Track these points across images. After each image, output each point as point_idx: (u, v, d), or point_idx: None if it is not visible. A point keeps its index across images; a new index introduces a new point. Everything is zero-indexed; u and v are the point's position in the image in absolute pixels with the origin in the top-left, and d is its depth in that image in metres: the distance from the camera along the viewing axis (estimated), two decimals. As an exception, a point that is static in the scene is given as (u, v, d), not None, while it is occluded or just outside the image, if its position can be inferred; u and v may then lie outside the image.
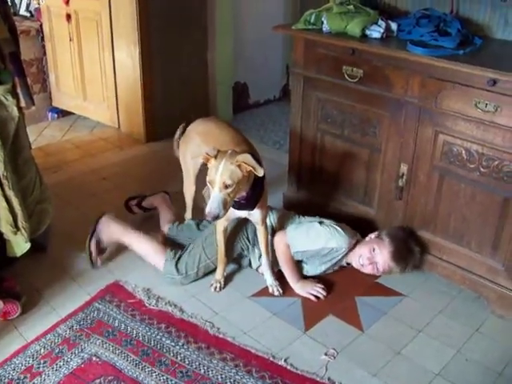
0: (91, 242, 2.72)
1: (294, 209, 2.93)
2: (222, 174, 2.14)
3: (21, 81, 2.73)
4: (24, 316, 2.42)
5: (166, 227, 2.94)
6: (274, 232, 2.71)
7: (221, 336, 2.34)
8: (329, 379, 2.14)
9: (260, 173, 2.19)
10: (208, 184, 2.22)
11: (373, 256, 2.59)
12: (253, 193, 2.34)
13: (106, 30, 4.15)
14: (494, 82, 2.20)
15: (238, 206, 2.36)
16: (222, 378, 2.13)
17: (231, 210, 2.34)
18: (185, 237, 2.83)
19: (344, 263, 2.73)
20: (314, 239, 2.60)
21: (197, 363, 2.19)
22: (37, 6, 4.62)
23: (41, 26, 4.56)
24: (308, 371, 2.17)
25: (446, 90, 2.38)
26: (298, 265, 2.69)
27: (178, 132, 2.97)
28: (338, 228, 2.62)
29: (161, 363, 2.19)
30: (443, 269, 2.64)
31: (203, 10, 4.30)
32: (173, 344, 2.29)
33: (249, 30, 4.85)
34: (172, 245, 2.78)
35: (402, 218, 2.73)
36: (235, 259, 2.76)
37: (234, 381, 2.12)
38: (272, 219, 2.75)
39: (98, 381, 2.10)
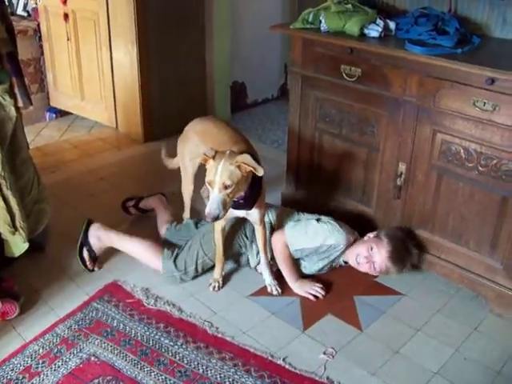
0: (82, 253, 2.72)
1: (292, 208, 2.92)
2: (221, 174, 2.14)
3: (18, 81, 2.73)
4: (22, 316, 2.42)
5: (163, 228, 2.94)
6: (272, 229, 2.71)
7: (219, 335, 2.34)
8: (327, 378, 2.14)
9: (260, 173, 2.19)
10: (207, 185, 2.21)
11: (370, 255, 2.59)
12: (251, 192, 2.34)
13: (103, 29, 4.14)
14: (493, 80, 2.20)
15: (236, 205, 2.35)
16: (220, 377, 2.13)
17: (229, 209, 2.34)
18: (183, 236, 2.82)
19: (342, 262, 2.73)
20: (313, 237, 2.60)
21: (195, 363, 2.19)
22: (34, 5, 4.61)
23: (38, 25, 4.56)
24: (307, 370, 2.17)
25: (444, 88, 2.38)
26: (296, 263, 2.69)
27: (163, 150, 3.11)
28: (336, 224, 2.62)
29: (159, 363, 2.19)
30: (441, 268, 2.65)
31: (201, 10, 4.30)
32: (171, 343, 2.28)
33: (247, 29, 4.85)
34: (169, 246, 2.77)
35: (401, 217, 2.73)
36: (233, 257, 2.76)
37: (233, 380, 2.12)
38: (271, 216, 2.75)
39: (96, 381, 2.10)
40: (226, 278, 2.70)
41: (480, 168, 2.37)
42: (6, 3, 3.15)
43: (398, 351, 2.29)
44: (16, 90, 2.70)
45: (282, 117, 4.65)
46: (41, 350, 2.23)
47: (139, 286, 2.62)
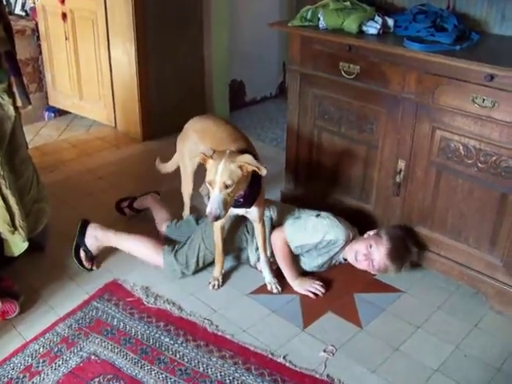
0: (79, 254, 2.71)
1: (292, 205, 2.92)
2: (221, 174, 2.14)
3: (17, 80, 2.72)
4: (22, 315, 2.42)
5: (163, 226, 2.94)
6: (273, 225, 2.71)
7: (219, 334, 2.34)
8: (328, 376, 2.14)
9: (264, 172, 2.19)
10: (207, 184, 2.21)
11: (369, 252, 2.58)
12: (250, 191, 2.34)
13: (101, 28, 4.13)
14: (492, 77, 2.20)
15: (236, 204, 2.35)
16: (221, 375, 2.13)
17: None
18: (184, 233, 2.81)
19: (341, 259, 2.73)
20: (312, 232, 2.60)
21: (196, 361, 2.19)
22: (32, 5, 4.59)
23: (36, 25, 4.55)
24: (307, 368, 2.18)
25: (442, 85, 2.37)
26: (295, 261, 2.69)
27: (158, 159, 3.13)
28: (335, 220, 2.62)
29: (160, 361, 2.19)
30: (441, 265, 2.65)
31: (199, 8, 4.30)
32: (171, 342, 2.29)
33: (245, 28, 4.84)
34: (169, 242, 2.77)
35: (400, 214, 2.73)
36: (234, 252, 2.76)
37: (233, 378, 2.12)
38: (272, 212, 2.75)
39: (97, 379, 2.10)
40: (225, 276, 2.70)
41: (479, 165, 2.37)
42: (4, 2, 3.15)
43: (398, 348, 2.30)
44: (14, 89, 2.69)
45: (281, 115, 4.64)
46: (41, 349, 2.23)
47: (139, 285, 2.62)
